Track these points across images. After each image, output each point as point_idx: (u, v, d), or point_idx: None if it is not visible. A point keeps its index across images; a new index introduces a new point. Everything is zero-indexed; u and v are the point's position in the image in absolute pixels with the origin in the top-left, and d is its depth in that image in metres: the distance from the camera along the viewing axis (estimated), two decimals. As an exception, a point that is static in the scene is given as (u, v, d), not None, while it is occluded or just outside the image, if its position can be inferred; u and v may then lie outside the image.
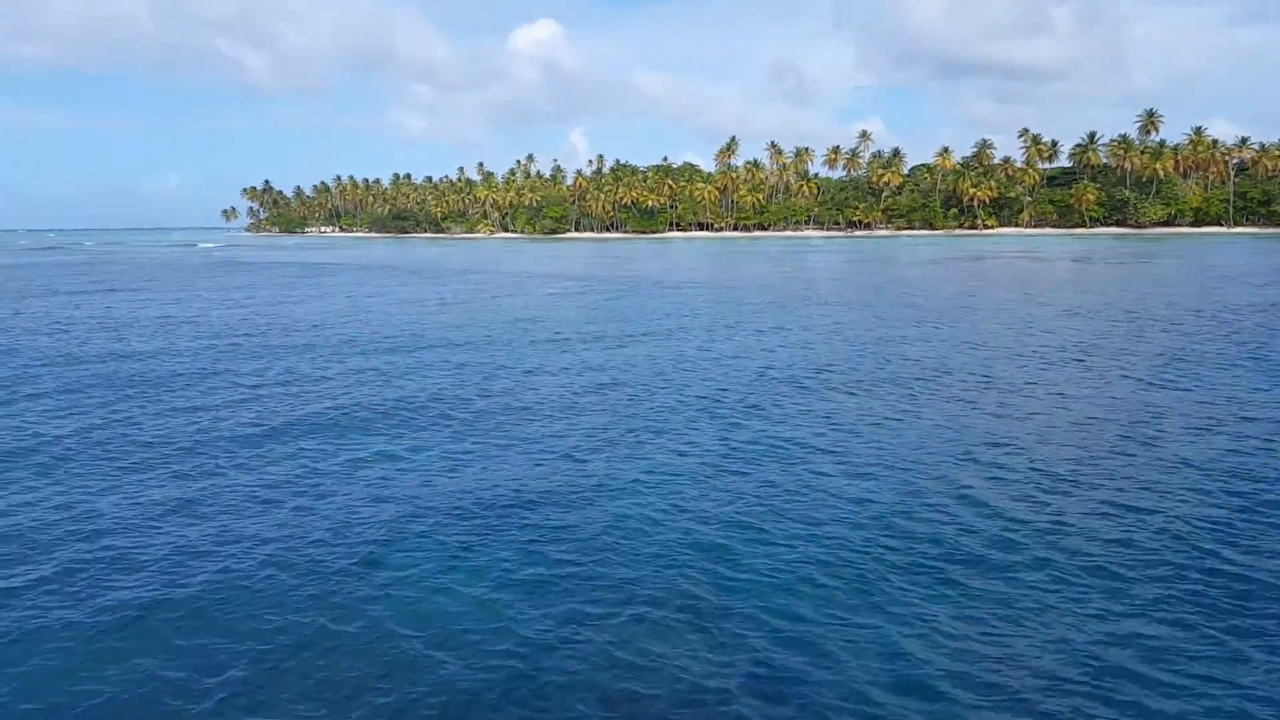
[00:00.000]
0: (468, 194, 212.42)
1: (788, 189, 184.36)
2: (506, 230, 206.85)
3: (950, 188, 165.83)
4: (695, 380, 20.44)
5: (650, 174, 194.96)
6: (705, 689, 6.99)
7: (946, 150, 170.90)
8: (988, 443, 14.39)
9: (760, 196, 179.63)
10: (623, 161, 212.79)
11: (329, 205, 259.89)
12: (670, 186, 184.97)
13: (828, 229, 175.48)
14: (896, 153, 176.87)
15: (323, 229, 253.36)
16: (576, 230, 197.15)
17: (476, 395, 18.86)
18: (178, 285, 54.74)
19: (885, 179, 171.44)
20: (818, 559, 9.56)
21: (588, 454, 14.04)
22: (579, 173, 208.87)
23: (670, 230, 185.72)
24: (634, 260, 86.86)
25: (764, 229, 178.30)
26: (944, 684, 7.01)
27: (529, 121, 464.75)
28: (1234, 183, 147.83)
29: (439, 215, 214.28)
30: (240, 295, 46.76)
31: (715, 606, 8.43)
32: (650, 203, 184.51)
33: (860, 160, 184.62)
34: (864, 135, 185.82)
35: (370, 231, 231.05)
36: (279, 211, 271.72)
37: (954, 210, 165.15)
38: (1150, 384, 19.30)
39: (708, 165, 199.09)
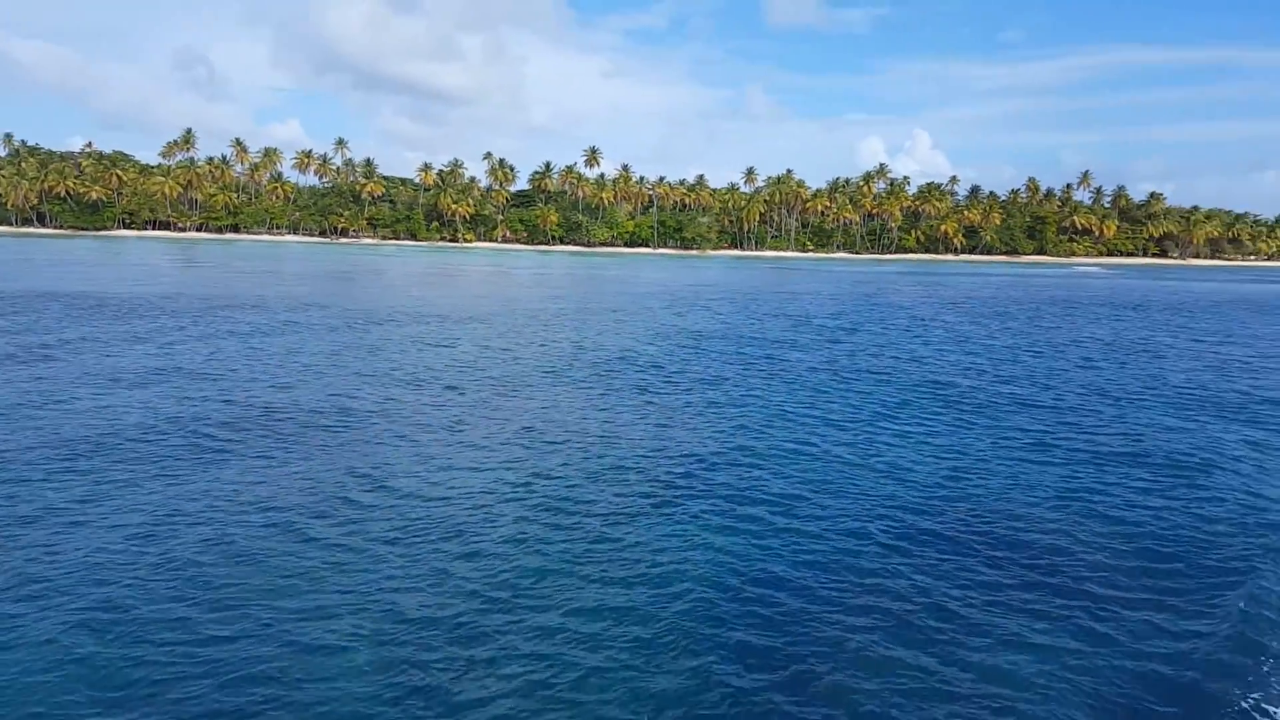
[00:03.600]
0: None
1: (259, 191, 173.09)
2: None
3: (432, 202, 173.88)
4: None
5: (86, 161, 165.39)
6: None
7: (428, 165, 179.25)
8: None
9: (232, 196, 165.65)
10: (31, 143, 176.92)
11: None
12: (119, 177, 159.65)
13: (308, 234, 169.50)
14: (369, 163, 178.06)
15: None
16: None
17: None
18: None
19: (368, 189, 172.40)
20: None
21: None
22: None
23: (120, 228, 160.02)
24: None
25: (237, 231, 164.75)
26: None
27: None
28: (656, 211, 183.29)
29: None
30: None
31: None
32: (93, 195, 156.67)
33: (332, 166, 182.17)
34: (340, 143, 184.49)
35: None
36: None
37: (436, 224, 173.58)
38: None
39: (136, 154, 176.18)
